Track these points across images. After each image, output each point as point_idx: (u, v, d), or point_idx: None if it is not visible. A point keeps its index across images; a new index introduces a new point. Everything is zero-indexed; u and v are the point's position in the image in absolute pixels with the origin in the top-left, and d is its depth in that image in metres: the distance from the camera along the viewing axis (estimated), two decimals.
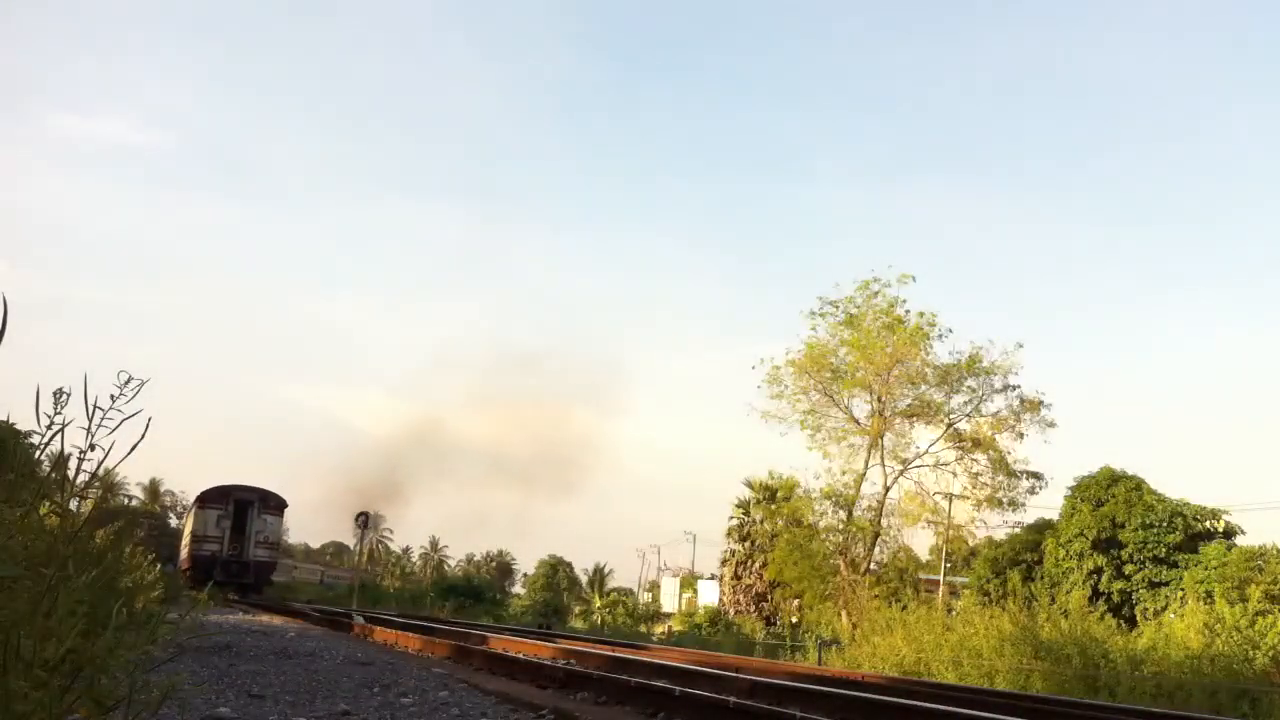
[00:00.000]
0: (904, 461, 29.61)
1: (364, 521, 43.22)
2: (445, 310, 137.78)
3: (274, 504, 35.01)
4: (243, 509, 33.16)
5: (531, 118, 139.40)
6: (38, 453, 2.78)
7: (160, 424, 2.84)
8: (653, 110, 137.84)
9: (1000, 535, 30.32)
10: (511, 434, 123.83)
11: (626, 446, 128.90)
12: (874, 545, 29.38)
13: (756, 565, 47.76)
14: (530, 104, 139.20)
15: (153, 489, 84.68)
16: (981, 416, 29.26)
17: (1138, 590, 25.48)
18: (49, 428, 2.73)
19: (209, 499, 33.83)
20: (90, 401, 2.75)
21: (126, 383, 2.83)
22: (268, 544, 33.66)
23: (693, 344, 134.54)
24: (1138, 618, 24.11)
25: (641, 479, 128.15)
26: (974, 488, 29.17)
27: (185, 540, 35.01)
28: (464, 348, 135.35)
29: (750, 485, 51.15)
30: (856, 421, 29.72)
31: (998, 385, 29.09)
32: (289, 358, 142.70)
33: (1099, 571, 26.10)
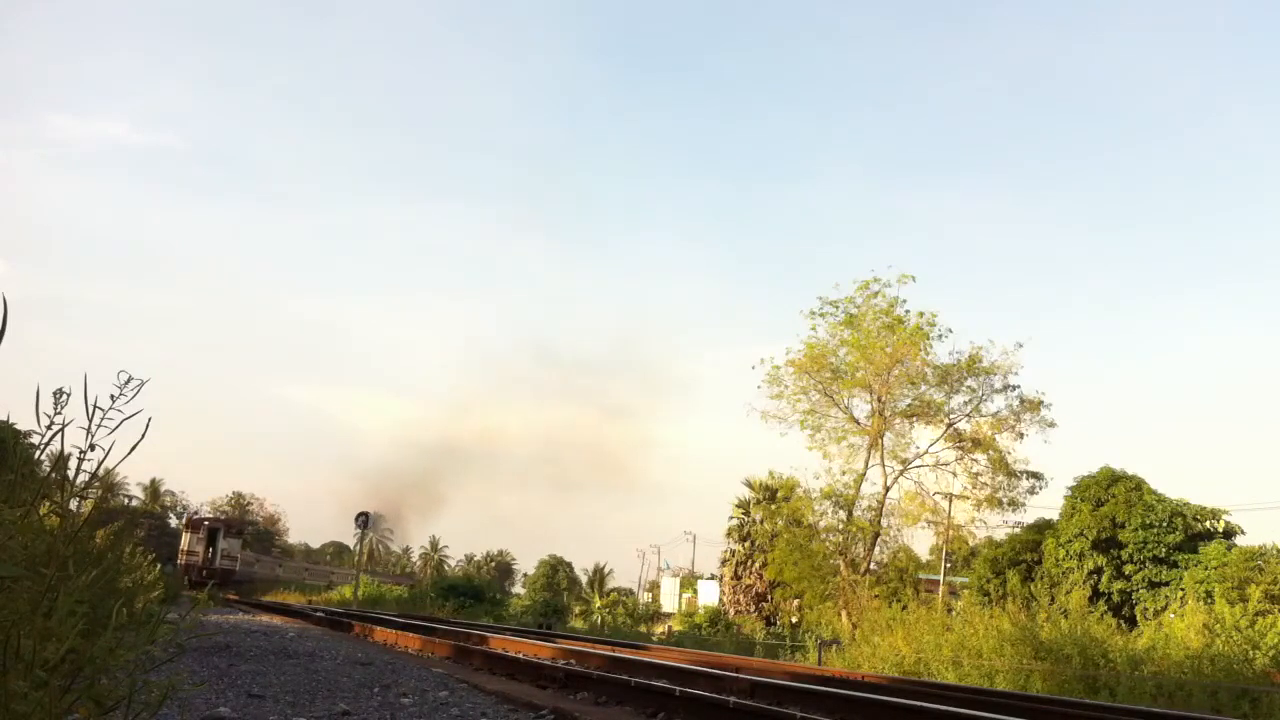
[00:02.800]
0: (904, 461, 29.62)
1: (364, 521, 43.82)
2: (448, 312, 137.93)
3: (235, 529, 50.78)
4: (214, 532, 46.66)
5: (532, 118, 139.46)
6: (38, 453, 2.78)
7: (161, 424, 2.85)
8: (653, 110, 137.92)
9: (1000, 535, 30.34)
10: (533, 435, 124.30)
11: (629, 447, 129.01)
12: (874, 545, 29.37)
13: (756, 565, 47.76)
14: (531, 104, 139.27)
15: (153, 489, 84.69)
16: (981, 416, 29.28)
17: (1138, 590, 25.47)
18: (49, 428, 2.73)
19: (192, 525, 48.60)
20: (90, 401, 2.74)
21: (126, 383, 2.83)
22: (229, 557, 46.46)
23: (692, 344, 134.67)
24: (1138, 618, 24.09)
25: (642, 479, 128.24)
26: (974, 488, 29.18)
27: (181, 550, 47.08)
28: (471, 351, 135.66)
29: (750, 485, 51.20)
30: (856, 421, 29.74)
31: (997, 385, 29.13)
32: (292, 358, 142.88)
33: (1099, 571, 26.09)
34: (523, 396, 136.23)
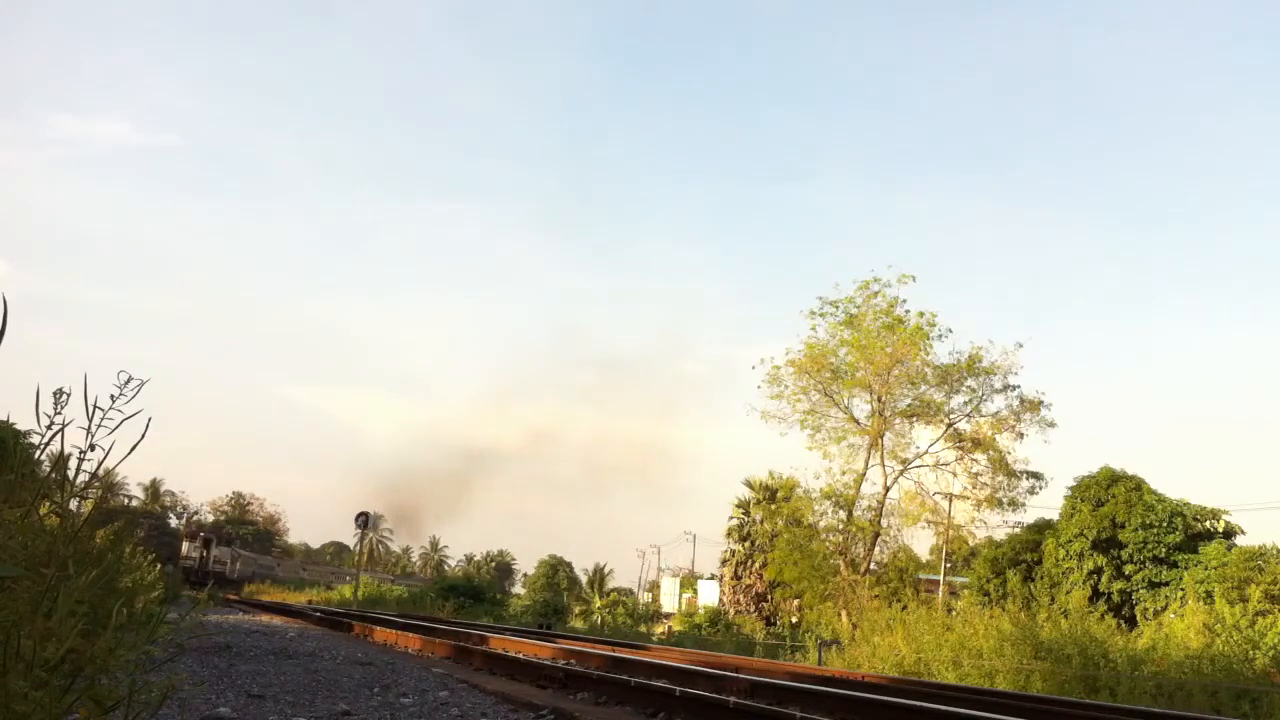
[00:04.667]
0: (904, 461, 29.58)
1: (364, 521, 43.86)
2: (451, 313, 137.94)
3: (225, 539, 61.72)
4: (208, 541, 56.33)
5: (533, 118, 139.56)
6: (38, 453, 2.78)
7: (161, 424, 2.85)
8: (654, 111, 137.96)
9: (1000, 535, 30.31)
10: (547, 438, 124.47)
11: (629, 446, 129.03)
12: (874, 545, 29.35)
13: (756, 565, 47.75)
14: (531, 105, 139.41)
15: (153, 489, 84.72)
16: (981, 416, 29.24)
17: (1138, 590, 25.46)
18: (49, 428, 2.72)
19: (190, 534, 59.24)
20: (90, 401, 2.74)
21: (126, 383, 2.82)
22: (220, 561, 56.04)
23: (693, 344, 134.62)
24: (1138, 618, 24.09)
25: (643, 478, 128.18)
26: (974, 488, 29.14)
27: (181, 555, 54.74)
28: (479, 352, 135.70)
29: (750, 485, 51.18)
30: (856, 421, 29.71)
31: (998, 385, 29.08)
32: (296, 359, 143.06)
33: (1099, 571, 26.08)
34: (541, 399, 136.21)
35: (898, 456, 29.53)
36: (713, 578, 58.33)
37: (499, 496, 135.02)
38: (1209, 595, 21.79)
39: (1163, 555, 25.23)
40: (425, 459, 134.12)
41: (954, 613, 21.28)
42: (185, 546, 56.06)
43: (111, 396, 2.79)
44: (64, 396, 2.74)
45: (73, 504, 2.96)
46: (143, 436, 2.80)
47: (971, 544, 30.63)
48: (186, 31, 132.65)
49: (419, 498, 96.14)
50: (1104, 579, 25.89)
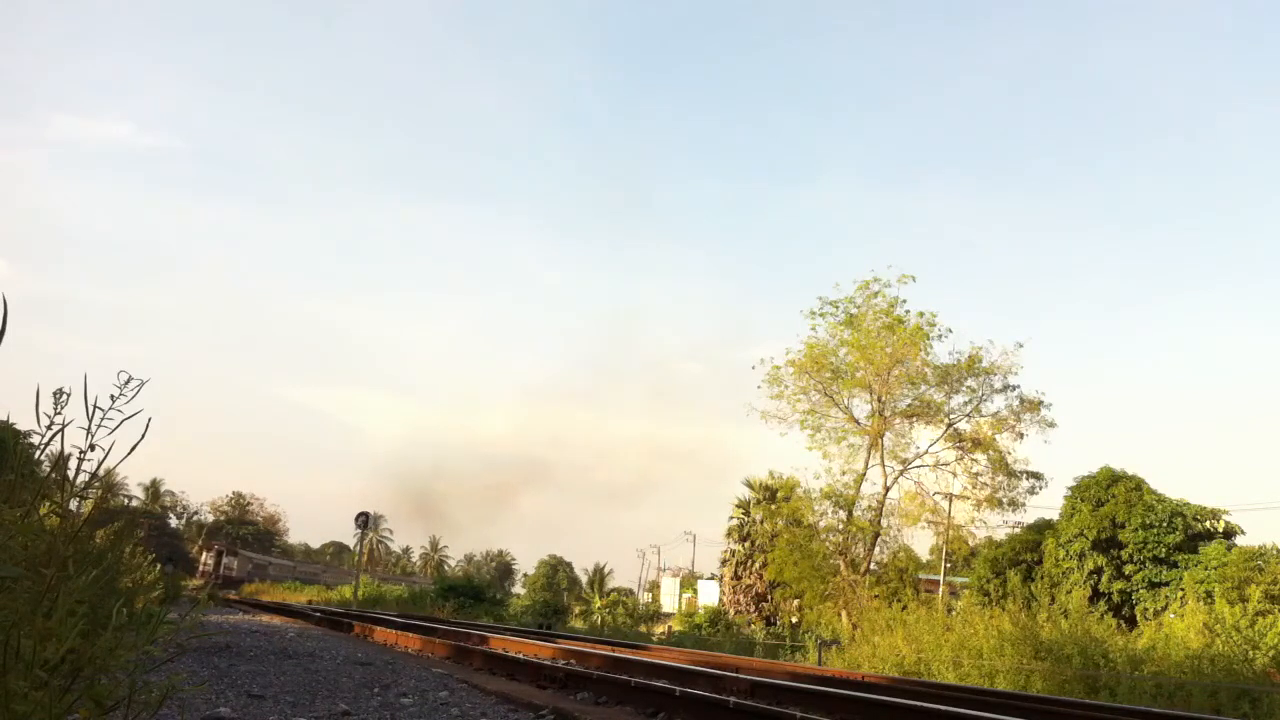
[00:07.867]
0: (904, 461, 29.58)
1: (364, 521, 43.87)
2: (446, 312, 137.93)
3: (232, 551, 71.87)
4: (220, 553, 68.05)
5: (533, 118, 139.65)
6: (38, 453, 2.78)
7: (161, 424, 2.85)
8: (655, 111, 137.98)
9: (1000, 535, 30.30)
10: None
11: (628, 445, 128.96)
12: (874, 545, 29.34)
13: (756, 565, 47.73)
14: (533, 105, 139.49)
15: (153, 489, 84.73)
16: (981, 416, 29.23)
17: (1138, 590, 25.46)
18: (49, 428, 2.72)
19: (206, 548, 71.75)
20: (90, 401, 2.74)
21: (126, 383, 2.82)
22: (229, 569, 66.74)
23: (693, 344, 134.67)
24: (1138, 618, 24.08)
25: (641, 478, 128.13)
26: (974, 488, 29.13)
27: (200, 563, 67.38)
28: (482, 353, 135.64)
29: (750, 485, 51.17)
30: (856, 421, 29.71)
31: (997, 385, 29.07)
32: (303, 360, 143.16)
33: (1099, 571, 26.08)
34: (558, 401, 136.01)
35: (898, 456, 29.55)
36: (713, 578, 58.33)
37: (534, 502, 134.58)
38: (1209, 595, 21.79)
39: (1163, 555, 25.22)
40: (429, 460, 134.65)
41: (954, 613, 21.26)
42: (203, 556, 69.97)
43: (111, 396, 2.79)
44: (64, 396, 2.74)
45: (73, 504, 2.96)
46: (143, 436, 2.80)
47: (971, 544, 30.61)
48: (188, 32, 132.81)
49: (438, 500, 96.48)
50: (1104, 579, 25.89)
